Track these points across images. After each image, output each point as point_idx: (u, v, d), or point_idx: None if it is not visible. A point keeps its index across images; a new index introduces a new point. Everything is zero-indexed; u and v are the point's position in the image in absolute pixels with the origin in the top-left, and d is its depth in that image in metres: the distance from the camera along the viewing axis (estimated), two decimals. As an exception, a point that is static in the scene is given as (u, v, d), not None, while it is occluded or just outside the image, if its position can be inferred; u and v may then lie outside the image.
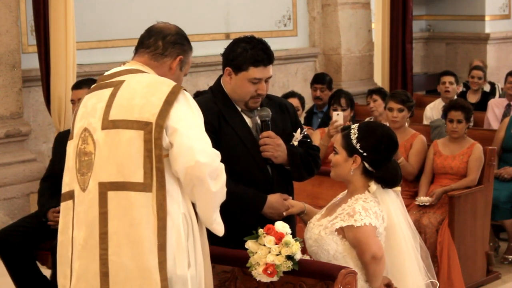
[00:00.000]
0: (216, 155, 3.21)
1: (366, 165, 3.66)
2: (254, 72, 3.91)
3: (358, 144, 3.65)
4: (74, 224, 3.27)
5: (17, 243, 5.44)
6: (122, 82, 3.27)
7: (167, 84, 3.24)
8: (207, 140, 3.20)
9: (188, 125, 3.17)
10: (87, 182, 3.22)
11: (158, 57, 3.38)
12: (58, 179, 5.57)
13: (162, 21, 3.50)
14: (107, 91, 3.27)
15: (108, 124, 3.20)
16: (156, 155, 3.15)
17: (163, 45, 3.37)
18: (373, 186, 3.66)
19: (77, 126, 3.33)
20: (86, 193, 3.22)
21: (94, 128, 3.23)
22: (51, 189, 5.53)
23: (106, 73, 3.40)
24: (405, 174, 6.32)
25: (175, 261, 3.17)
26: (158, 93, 3.19)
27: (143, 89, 3.21)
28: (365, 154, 3.65)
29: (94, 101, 3.30)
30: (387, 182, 3.68)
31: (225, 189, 3.27)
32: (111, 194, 3.17)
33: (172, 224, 3.16)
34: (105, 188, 3.17)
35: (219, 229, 3.33)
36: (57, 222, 3.45)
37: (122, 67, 3.38)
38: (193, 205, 3.27)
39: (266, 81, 3.97)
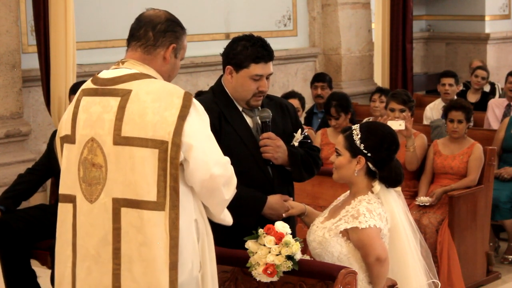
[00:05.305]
0: (228, 162, 3.21)
1: (370, 165, 3.65)
2: (255, 68, 3.91)
3: (362, 145, 3.64)
4: (77, 232, 3.24)
5: (17, 228, 5.41)
6: (129, 92, 3.17)
7: (177, 95, 3.16)
8: (218, 149, 3.19)
9: (202, 139, 3.14)
10: (95, 194, 3.19)
11: (150, 49, 3.28)
12: (49, 175, 5.57)
13: (152, 8, 3.40)
14: (113, 101, 3.18)
15: (121, 140, 3.14)
16: (171, 174, 3.10)
17: (153, 35, 3.28)
18: (377, 186, 3.66)
19: (80, 133, 3.25)
20: (96, 206, 3.18)
21: (104, 141, 3.17)
22: (31, 183, 5.63)
23: (106, 75, 3.28)
24: (411, 163, 6.32)
25: (192, 266, 3.18)
26: (170, 107, 3.12)
27: (154, 103, 3.13)
28: (369, 154, 3.64)
29: (99, 110, 3.21)
30: (391, 181, 3.67)
31: (235, 191, 3.27)
32: (124, 211, 3.14)
33: (187, 233, 3.15)
34: (119, 204, 3.14)
35: (228, 220, 3.36)
36: None
37: (123, 70, 3.27)
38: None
39: (267, 78, 3.97)
